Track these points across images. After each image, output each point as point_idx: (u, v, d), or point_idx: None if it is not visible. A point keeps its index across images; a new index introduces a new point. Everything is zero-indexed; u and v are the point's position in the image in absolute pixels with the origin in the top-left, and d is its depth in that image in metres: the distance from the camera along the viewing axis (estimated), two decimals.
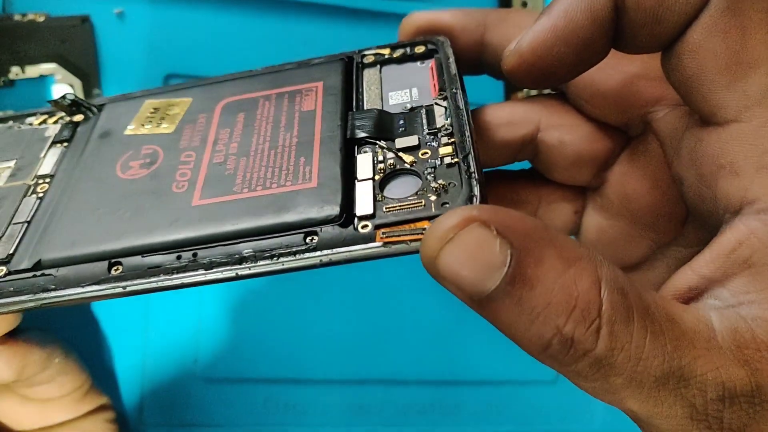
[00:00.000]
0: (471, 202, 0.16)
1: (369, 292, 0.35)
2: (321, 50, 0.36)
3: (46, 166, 0.22)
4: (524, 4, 0.38)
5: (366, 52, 0.22)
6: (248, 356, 0.34)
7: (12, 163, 0.23)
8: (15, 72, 0.33)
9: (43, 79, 0.33)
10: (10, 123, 0.24)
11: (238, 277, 0.17)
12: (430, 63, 0.21)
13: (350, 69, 0.22)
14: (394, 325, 0.36)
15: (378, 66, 0.22)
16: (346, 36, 0.37)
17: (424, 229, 0.15)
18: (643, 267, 0.21)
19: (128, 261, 0.18)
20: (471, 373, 0.36)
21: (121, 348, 0.33)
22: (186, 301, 0.34)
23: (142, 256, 0.18)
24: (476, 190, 0.16)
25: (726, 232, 0.15)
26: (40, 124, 0.24)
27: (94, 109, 0.23)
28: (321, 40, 0.37)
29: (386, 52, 0.22)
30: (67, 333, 0.32)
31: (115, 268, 0.18)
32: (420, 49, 0.22)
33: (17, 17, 0.33)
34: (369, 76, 0.22)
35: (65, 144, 0.23)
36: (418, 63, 0.22)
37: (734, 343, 0.14)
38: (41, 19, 0.33)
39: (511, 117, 0.21)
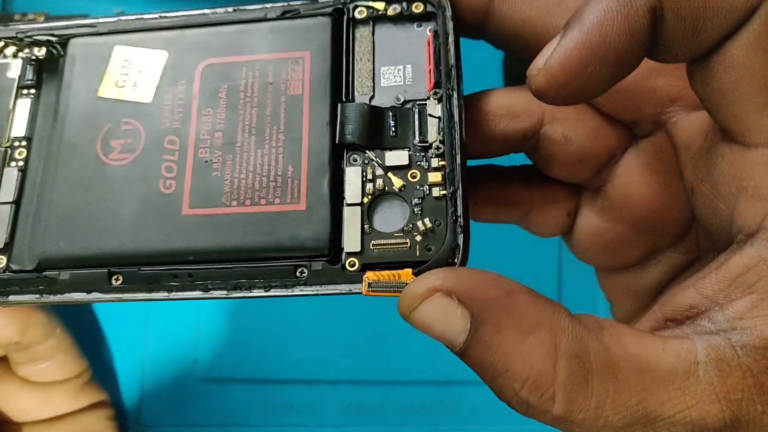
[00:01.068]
0: (454, 253, 0.17)
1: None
2: None
3: (19, 125, 0.21)
4: None
5: (359, 3, 0.20)
6: (248, 356, 0.34)
7: None
8: None
9: None
10: None
11: (231, 298, 0.18)
12: (428, 35, 0.19)
13: (340, 27, 0.20)
14: (393, 325, 0.36)
15: (371, 24, 0.20)
16: None
17: (405, 283, 0.16)
18: (635, 269, 0.21)
19: (127, 272, 0.18)
20: (470, 373, 0.36)
21: (121, 348, 0.33)
22: (186, 302, 0.34)
23: (140, 269, 0.18)
24: (459, 240, 0.17)
25: (735, 256, 0.15)
26: None
27: (58, 47, 0.21)
28: None
29: (381, 6, 0.20)
30: (67, 332, 0.32)
31: (115, 278, 0.19)
32: (418, 8, 0.19)
33: (17, 17, 0.33)
34: (361, 38, 0.20)
35: (32, 92, 0.21)
36: (415, 25, 0.20)
37: (717, 374, 0.14)
38: (41, 19, 0.33)
39: (512, 107, 0.20)
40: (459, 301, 0.15)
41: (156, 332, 0.33)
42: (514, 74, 0.38)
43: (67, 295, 0.19)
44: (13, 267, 0.19)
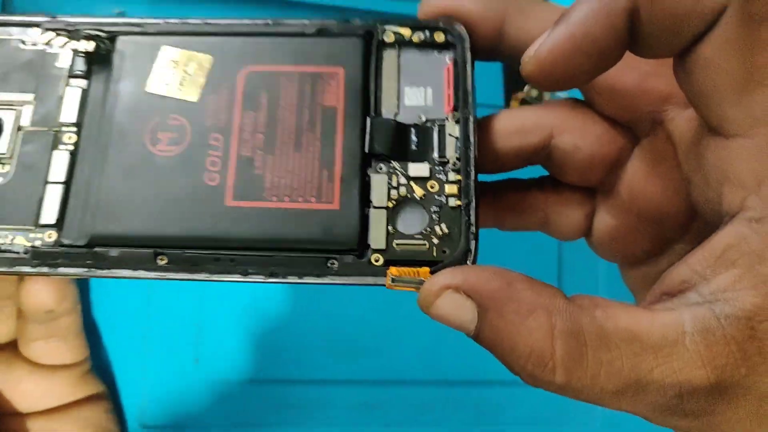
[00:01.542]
0: (466, 256, 0.20)
1: (370, 292, 0.35)
2: None
3: (69, 112, 0.22)
4: None
5: (387, 28, 0.22)
6: (249, 356, 0.34)
7: (31, 97, 0.22)
8: None
9: None
10: (9, 35, 0.23)
11: (267, 282, 0.20)
12: (448, 63, 0.22)
13: (370, 48, 0.22)
14: (394, 326, 0.36)
15: (397, 48, 0.22)
16: None
17: (423, 280, 0.19)
18: (649, 261, 0.22)
19: (172, 253, 0.20)
20: (473, 373, 0.36)
21: (121, 347, 0.33)
22: (187, 301, 0.34)
23: (184, 252, 0.20)
24: (471, 246, 0.20)
25: (719, 234, 0.17)
26: (48, 44, 0.23)
27: (107, 42, 0.23)
28: None
29: (407, 33, 0.22)
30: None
31: (160, 257, 0.20)
32: (440, 38, 0.22)
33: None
34: (388, 60, 0.22)
35: (81, 82, 0.22)
36: (436, 52, 0.22)
37: (703, 342, 0.16)
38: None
39: (523, 124, 0.22)
40: (466, 295, 0.17)
41: (157, 332, 0.33)
42: (514, 74, 0.38)
43: (114, 270, 0.20)
44: (64, 241, 0.21)
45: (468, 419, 0.36)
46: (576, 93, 0.22)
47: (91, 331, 0.33)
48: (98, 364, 0.32)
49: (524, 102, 0.38)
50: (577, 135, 0.21)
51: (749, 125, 0.16)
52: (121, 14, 0.34)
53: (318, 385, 0.35)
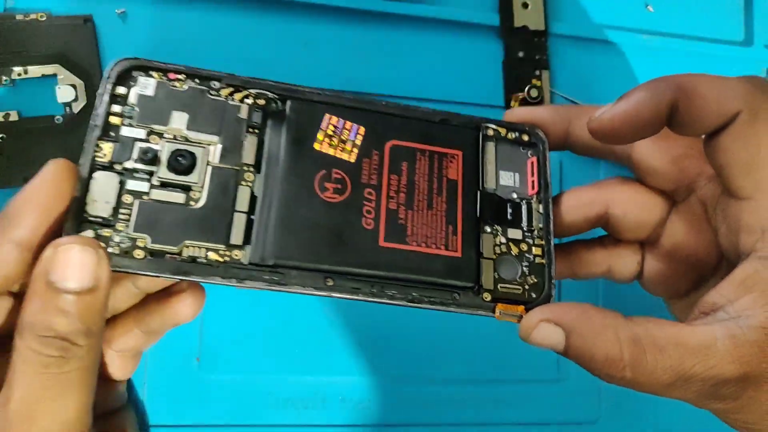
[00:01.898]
0: (548, 299, 0.27)
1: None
2: (321, 51, 0.37)
3: (248, 154, 0.27)
4: (525, 6, 0.39)
5: (489, 125, 0.30)
6: (250, 355, 0.34)
7: (217, 139, 0.27)
8: (18, 72, 0.33)
9: (45, 80, 0.33)
10: (196, 83, 0.28)
11: (406, 306, 0.26)
12: (532, 158, 0.30)
13: (478, 138, 0.30)
14: (393, 326, 0.36)
15: (494, 141, 0.30)
16: (346, 36, 0.37)
17: (521, 315, 0.26)
18: (691, 295, 0.29)
19: (338, 278, 0.26)
20: (481, 372, 0.36)
21: None
22: None
23: (347, 278, 0.26)
24: (553, 292, 0.27)
25: (739, 269, 0.23)
26: (228, 96, 0.28)
27: (279, 103, 0.28)
28: (321, 41, 0.37)
29: (503, 131, 0.30)
30: None
31: (328, 281, 0.26)
32: (525, 138, 0.30)
33: (19, 17, 0.33)
34: (489, 149, 0.30)
35: (257, 132, 0.27)
36: (521, 148, 0.30)
37: (732, 345, 0.21)
38: (43, 18, 0.33)
39: (585, 201, 0.29)
40: (555, 323, 0.24)
41: None
42: (514, 74, 0.38)
43: (291, 287, 0.26)
44: (253, 261, 0.25)
45: (471, 414, 0.36)
46: (624, 170, 0.30)
47: None
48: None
49: (524, 102, 0.38)
50: (628, 205, 0.29)
51: (755, 190, 0.24)
52: (124, 14, 0.35)
53: (320, 384, 0.35)
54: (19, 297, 0.25)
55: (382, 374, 0.36)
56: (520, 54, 0.38)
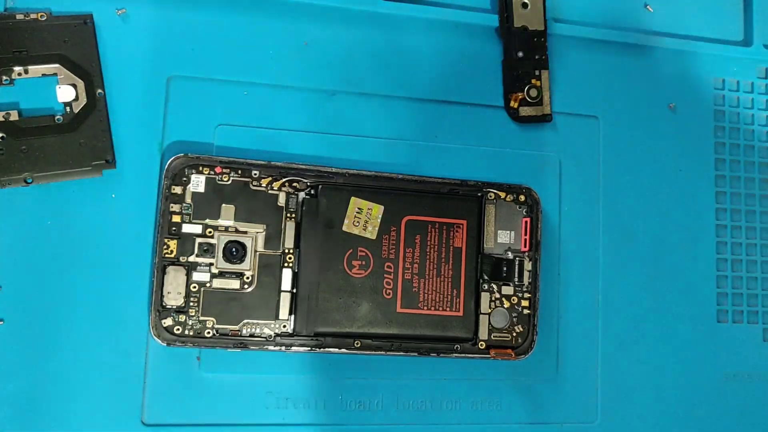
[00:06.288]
0: (531, 344, 0.35)
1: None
2: (322, 51, 0.37)
3: (289, 239, 0.33)
4: (524, 6, 0.39)
5: (490, 190, 0.36)
6: (250, 354, 0.34)
7: (262, 228, 0.33)
8: (18, 72, 0.33)
9: (45, 79, 0.33)
10: (239, 174, 0.33)
11: (419, 356, 0.34)
12: (526, 218, 0.36)
13: (481, 204, 0.35)
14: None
15: (495, 203, 0.36)
16: (346, 36, 0.37)
17: (510, 354, 0.34)
18: None
19: (364, 341, 0.34)
20: (480, 371, 0.36)
21: (123, 346, 0.33)
22: None
23: (372, 340, 0.34)
24: (535, 338, 0.35)
25: None
26: (267, 185, 0.33)
27: (310, 190, 0.33)
28: (321, 41, 0.37)
29: (502, 194, 0.36)
30: (69, 332, 0.33)
31: (356, 343, 0.33)
32: (522, 199, 0.36)
33: (19, 16, 0.33)
34: (488, 211, 0.35)
35: (294, 217, 0.33)
36: (518, 207, 0.36)
37: None
38: (43, 18, 0.33)
39: None
40: None
41: None
42: (513, 75, 0.38)
43: (327, 349, 0.33)
44: (297, 331, 0.33)
45: (469, 415, 0.36)
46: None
47: (92, 330, 0.33)
48: (101, 364, 0.33)
49: (523, 102, 0.38)
50: None
51: None
52: (124, 14, 0.35)
53: (321, 384, 0.35)
54: None
55: (382, 374, 0.36)
56: (520, 54, 0.39)
